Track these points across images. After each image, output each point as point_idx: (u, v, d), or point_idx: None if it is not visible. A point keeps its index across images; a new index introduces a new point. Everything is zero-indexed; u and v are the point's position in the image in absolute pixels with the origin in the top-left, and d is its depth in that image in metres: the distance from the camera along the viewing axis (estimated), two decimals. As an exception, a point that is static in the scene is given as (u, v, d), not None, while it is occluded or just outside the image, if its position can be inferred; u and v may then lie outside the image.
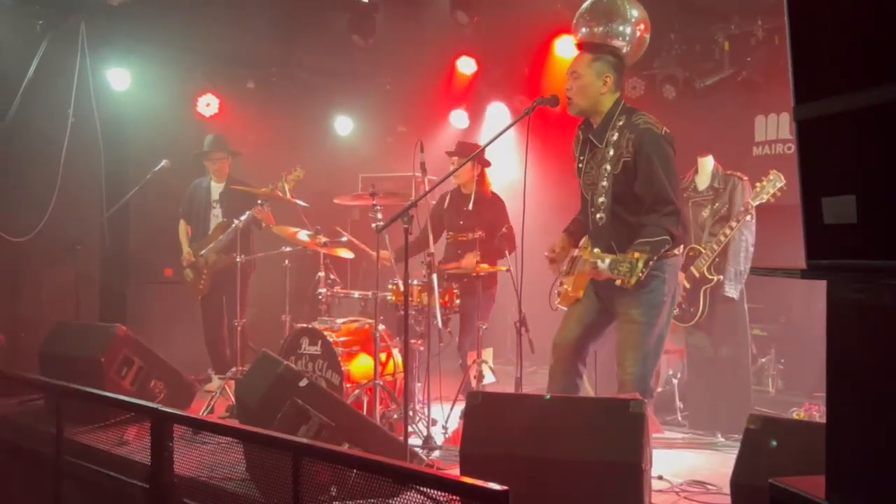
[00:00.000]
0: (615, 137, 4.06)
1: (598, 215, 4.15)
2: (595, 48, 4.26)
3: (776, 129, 7.20)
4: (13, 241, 6.72)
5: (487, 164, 6.36)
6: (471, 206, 6.30)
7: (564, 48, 7.43)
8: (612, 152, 4.05)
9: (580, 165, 4.23)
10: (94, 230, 7.36)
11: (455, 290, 5.91)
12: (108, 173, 7.35)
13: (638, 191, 3.99)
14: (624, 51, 5.62)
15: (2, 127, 6.71)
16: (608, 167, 4.06)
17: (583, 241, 4.39)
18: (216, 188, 7.10)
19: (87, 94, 7.08)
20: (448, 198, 6.54)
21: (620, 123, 4.07)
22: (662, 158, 3.98)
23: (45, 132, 6.94)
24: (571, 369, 4.30)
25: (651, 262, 3.74)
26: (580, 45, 4.34)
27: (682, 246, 4.27)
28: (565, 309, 4.44)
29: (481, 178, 6.36)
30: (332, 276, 6.36)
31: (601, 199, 4.10)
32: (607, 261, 3.77)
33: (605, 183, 4.06)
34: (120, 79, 7.47)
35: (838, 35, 1.76)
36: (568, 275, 4.42)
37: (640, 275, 3.65)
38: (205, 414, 5.86)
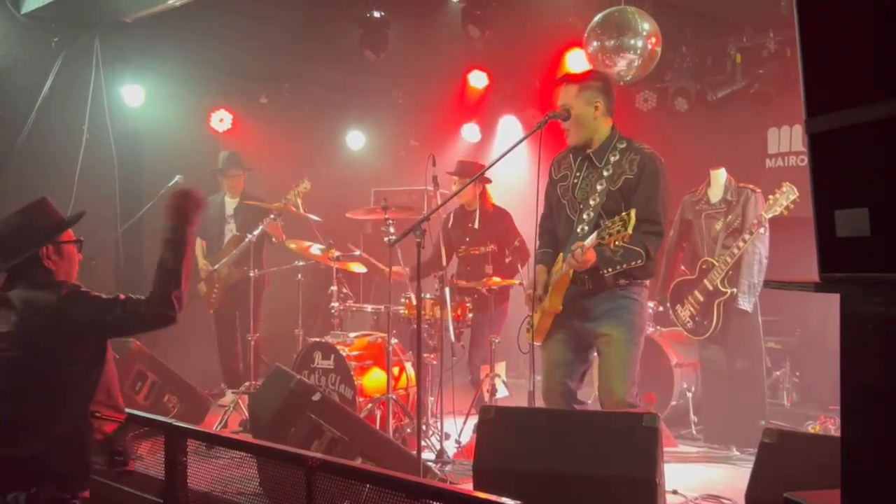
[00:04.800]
0: (615, 158, 4.16)
1: (581, 227, 4.18)
2: (578, 78, 4.28)
3: (789, 141, 7.18)
4: (28, 256, 6.75)
5: (488, 180, 6.38)
6: (476, 224, 6.32)
7: (576, 62, 7.42)
8: (610, 171, 4.14)
9: (574, 181, 4.25)
10: (108, 246, 7.39)
11: (468, 304, 5.91)
12: (122, 189, 7.39)
13: (634, 206, 3.99)
14: (635, 64, 5.63)
15: (17, 143, 6.77)
16: (604, 184, 4.14)
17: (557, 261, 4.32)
18: (230, 203, 7.14)
19: (101, 111, 7.14)
20: (452, 216, 6.56)
21: (622, 147, 4.18)
22: (662, 185, 4.12)
23: (59, 148, 6.99)
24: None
25: (620, 266, 3.93)
26: (562, 80, 4.34)
27: (650, 279, 4.32)
28: (538, 345, 4.38)
29: (483, 195, 6.39)
30: (344, 290, 6.37)
31: (589, 214, 4.15)
32: (593, 234, 3.84)
33: (597, 199, 4.14)
34: (134, 95, 7.52)
35: (850, 47, 1.76)
36: (540, 301, 4.32)
37: (628, 231, 3.68)
38: (218, 428, 5.88)
